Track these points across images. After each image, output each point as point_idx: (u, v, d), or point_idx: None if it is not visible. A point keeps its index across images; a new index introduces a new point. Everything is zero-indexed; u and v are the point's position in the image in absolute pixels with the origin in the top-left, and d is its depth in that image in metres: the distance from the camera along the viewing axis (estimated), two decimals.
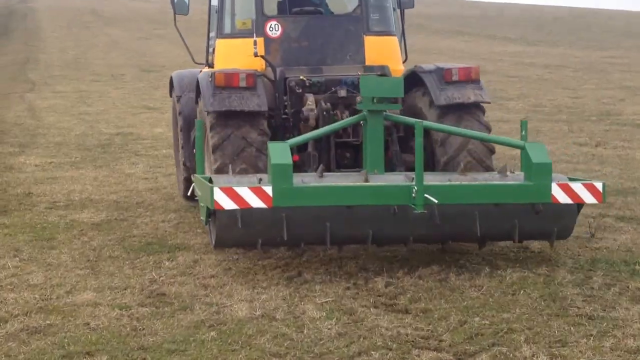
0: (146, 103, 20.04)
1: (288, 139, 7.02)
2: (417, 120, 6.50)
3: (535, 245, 7.42)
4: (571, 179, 6.63)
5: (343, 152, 7.22)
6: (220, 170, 6.77)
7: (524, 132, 6.59)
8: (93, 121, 17.01)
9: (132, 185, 10.48)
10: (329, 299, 5.96)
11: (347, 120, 6.84)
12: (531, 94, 21.39)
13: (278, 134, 7.30)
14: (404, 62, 7.97)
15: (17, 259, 6.99)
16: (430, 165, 7.13)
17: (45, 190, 9.99)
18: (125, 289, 6.19)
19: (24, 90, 22.40)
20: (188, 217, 8.67)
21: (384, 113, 6.58)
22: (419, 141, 6.08)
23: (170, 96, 9.20)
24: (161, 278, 6.49)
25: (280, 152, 5.96)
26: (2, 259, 6.99)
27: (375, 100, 6.45)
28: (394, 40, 7.80)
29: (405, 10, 8.32)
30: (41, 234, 7.87)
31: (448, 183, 6.29)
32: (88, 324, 5.41)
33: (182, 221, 8.45)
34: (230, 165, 6.67)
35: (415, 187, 5.94)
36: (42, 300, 5.90)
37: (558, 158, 12.31)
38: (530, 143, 6.41)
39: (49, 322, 5.44)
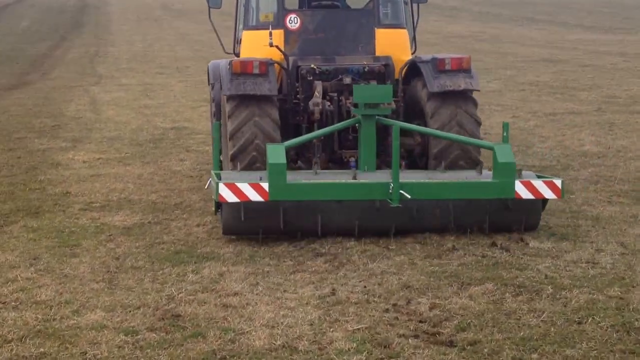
0: (207, 96, 19.20)
1: (298, 121, 7.71)
2: (395, 122, 7.08)
3: (606, 259, 6.40)
4: (539, 177, 6.99)
5: (346, 135, 7.71)
6: (235, 157, 7.25)
7: (505, 134, 6.98)
8: (151, 114, 16.51)
9: (175, 184, 9.81)
10: (362, 326, 5.10)
11: (343, 123, 7.33)
12: (605, 84, 19.89)
13: (289, 116, 7.79)
14: (413, 53, 8.25)
15: (33, 269, 6.35)
16: (425, 154, 7.66)
17: (85, 189, 9.40)
18: (138, 308, 5.46)
19: (90, 84, 22.11)
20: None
21: (376, 117, 7.04)
22: (396, 144, 6.59)
23: (208, 84, 9.24)
24: (180, 294, 5.74)
25: (276, 153, 6.53)
26: (16, 268, 6.36)
27: (367, 106, 6.94)
28: (403, 32, 8.14)
29: None
30: (66, 239, 7.23)
31: (420, 180, 6.84)
32: (85, 354, 4.70)
33: (217, 225, 7.69)
34: (241, 154, 7.19)
35: (392, 185, 6.46)
36: (44, 321, 5.21)
37: (634, 154, 11.11)
38: (499, 145, 6.85)
39: (42, 349, 4.75)
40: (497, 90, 20.85)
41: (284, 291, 5.77)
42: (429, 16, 51.50)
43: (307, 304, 5.50)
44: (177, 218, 8.08)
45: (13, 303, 5.56)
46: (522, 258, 6.48)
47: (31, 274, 6.22)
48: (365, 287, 5.83)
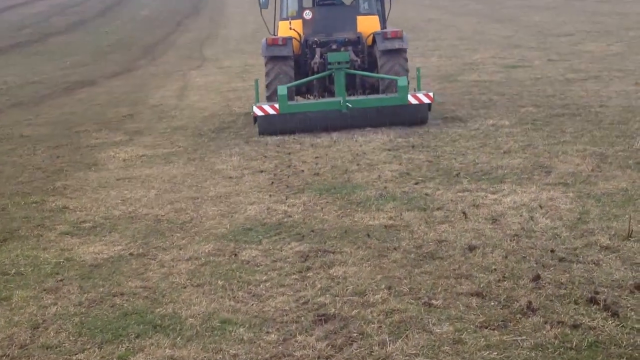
0: None
1: (307, 71, 11.14)
2: (345, 70, 10.37)
3: None
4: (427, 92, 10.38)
5: (332, 77, 10.68)
6: (269, 85, 10.79)
7: (418, 73, 10.82)
8: (234, 98, 14.32)
9: (205, 189, 7.48)
10: None
11: (325, 72, 10.66)
12: None
13: (302, 68, 11.20)
14: (384, 29, 11.49)
15: None
16: (377, 84, 11.02)
17: (91, 201, 7.22)
18: None
19: (191, 68, 20.24)
20: (227, 249, 5.51)
21: (344, 70, 10.38)
22: (342, 81, 10.24)
23: None
24: None
25: (282, 89, 10.04)
26: None
27: (335, 64, 10.39)
28: (375, 17, 11.44)
29: None
30: (1, 288, 5.04)
31: (357, 98, 10.38)
32: None
33: (211, 260, 5.28)
34: (270, 85, 10.78)
35: (341, 101, 10.09)
36: None
37: None
38: (399, 77, 10.26)
39: None
40: (619, 54, 17.09)
41: None
42: None
43: None
44: (171, 247, 5.72)
45: None
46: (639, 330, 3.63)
47: None
48: None
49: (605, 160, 7.72)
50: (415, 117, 10.14)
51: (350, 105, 9.98)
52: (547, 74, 14.51)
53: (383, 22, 11.75)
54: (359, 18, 11.39)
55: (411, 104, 10.03)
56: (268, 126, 10.05)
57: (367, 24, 11.33)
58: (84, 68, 20.73)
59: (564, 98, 11.75)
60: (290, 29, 11.20)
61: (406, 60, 11.01)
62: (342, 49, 11.03)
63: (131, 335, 4.13)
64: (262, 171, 8.21)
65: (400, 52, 10.85)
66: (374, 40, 11.15)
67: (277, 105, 9.99)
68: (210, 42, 25.41)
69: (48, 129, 11.73)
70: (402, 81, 10.03)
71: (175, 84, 17.14)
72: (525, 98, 12.03)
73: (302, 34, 11.36)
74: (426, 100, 10.04)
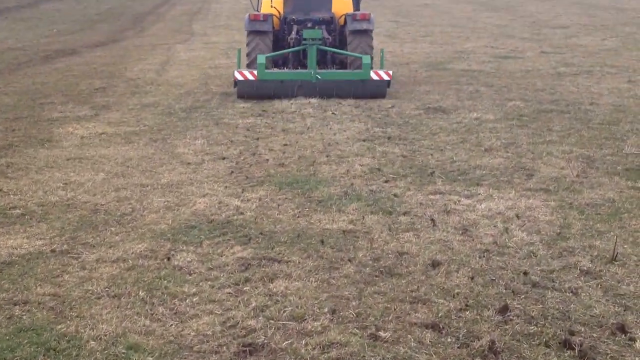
0: None
1: (284, 45, 11.86)
2: (317, 46, 11.06)
3: None
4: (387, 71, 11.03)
5: (305, 53, 11.45)
6: (249, 55, 11.50)
7: (382, 54, 11.59)
8: (214, 76, 13.46)
9: (157, 176, 6.71)
10: None
11: (299, 47, 11.39)
12: None
13: (280, 42, 11.92)
14: (356, 10, 12.32)
15: None
16: (346, 60, 11.70)
17: (29, 184, 6.43)
18: None
19: (178, 41, 19.30)
20: (162, 250, 4.75)
21: (316, 46, 11.08)
22: (314, 55, 10.87)
23: None
24: None
25: (261, 58, 10.68)
26: None
27: (309, 40, 11.10)
28: (349, 0, 12.12)
29: None
30: None
31: (326, 71, 11.07)
32: None
33: (140, 263, 4.52)
34: (251, 55, 11.45)
35: (313, 72, 10.79)
36: None
37: None
38: (363, 55, 10.91)
39: None
40: (613, 49, 16.28)
41: None
42: None
43: None
44: (100, 244, 4.96)
45: None
46: None
47: None
48: None
49: (592, 164, 6.99)
50: (375, 91, 10.96)
51: (319, 77, 10.80)
52: (538, 67, 13.73)
53: (357, 4, 12.47)
54: (334, 0, 12.13)
55: (372, 80, 10.80)
56: (246, 90, 10.88)
57: (341, 6, 12.06)
58: (70, 36, 19.78)
59: (554, 93, 10.99)
60: (272, 6, 11.95)
61: (372, 39, 11.76)
62: (317, 27, 11.75)
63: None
64: (224, 158, 7.45)
65: (367, 32, 11.60)
66: (345, 21, 11.91)
67: (255, 72, 10.78)
68: (200, 17, 24.42)
69: (13, 99, 10.90)
70: (366, 59, 10.82)
71: (158, 58, 16.25)
72: (514, 91, 11.26)
73: (281, 12, 12.09)
74: (386, 77, 10.86)
